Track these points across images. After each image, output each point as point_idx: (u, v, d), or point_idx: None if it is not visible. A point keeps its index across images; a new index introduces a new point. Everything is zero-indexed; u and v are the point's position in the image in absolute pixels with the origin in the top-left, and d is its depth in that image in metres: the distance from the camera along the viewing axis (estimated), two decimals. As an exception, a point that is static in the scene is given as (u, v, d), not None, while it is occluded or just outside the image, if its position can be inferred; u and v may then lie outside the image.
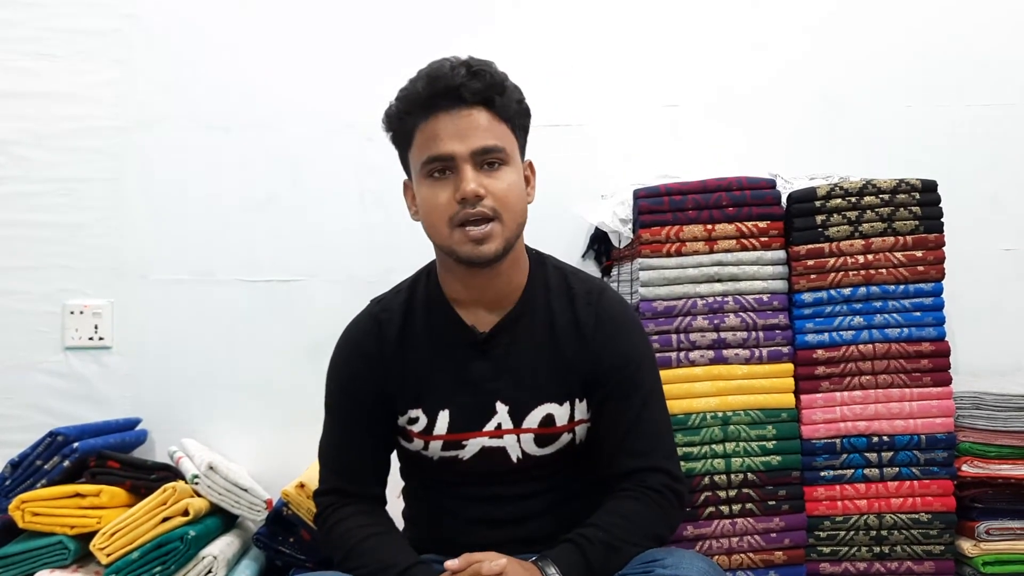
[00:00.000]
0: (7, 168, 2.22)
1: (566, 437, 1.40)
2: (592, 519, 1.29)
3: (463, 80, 1.27)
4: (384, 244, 2.19)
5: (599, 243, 2.17)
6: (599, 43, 2.27)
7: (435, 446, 1.40)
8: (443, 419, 1.39)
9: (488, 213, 1.27)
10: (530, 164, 1.39)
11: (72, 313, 2.20)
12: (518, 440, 1.38)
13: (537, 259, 1.45)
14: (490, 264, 1.31)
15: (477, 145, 1.27)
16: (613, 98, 2.26)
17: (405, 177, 1.41)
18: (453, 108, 1.27)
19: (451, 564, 1.22)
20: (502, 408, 1.38)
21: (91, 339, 2.20)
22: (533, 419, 1.38)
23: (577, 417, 1.40)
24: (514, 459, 1.39)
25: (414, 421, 1.40)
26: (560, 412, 1.38)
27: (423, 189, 1.31)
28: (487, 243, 1.28)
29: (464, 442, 1.39)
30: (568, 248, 2.16)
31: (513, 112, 1.33)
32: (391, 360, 1.40)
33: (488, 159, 1.28)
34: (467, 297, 1.39)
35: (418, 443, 1.41)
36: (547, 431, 1.38)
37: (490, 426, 1.38)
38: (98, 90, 2.24)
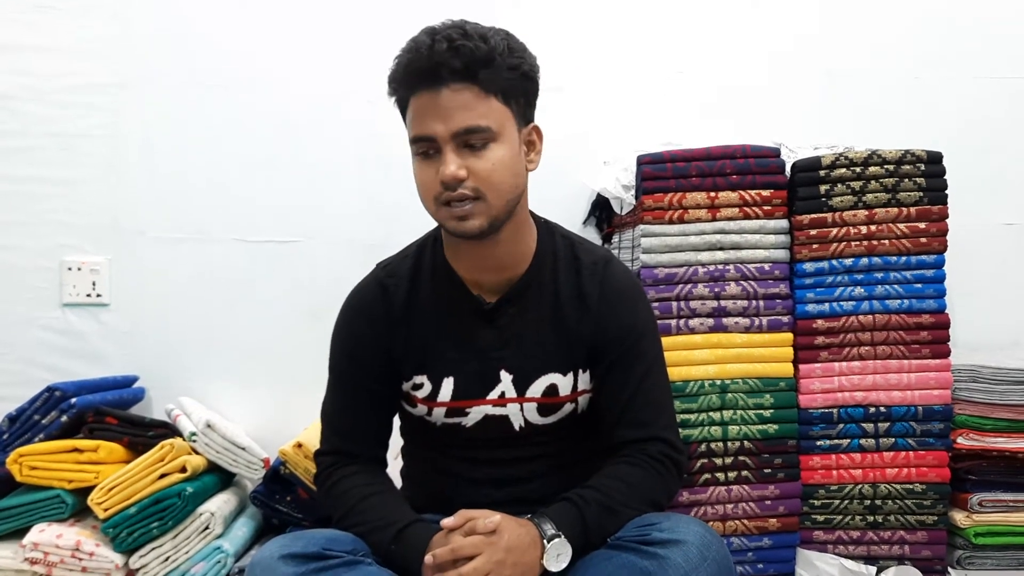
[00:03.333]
0: (6, 123, 2.20)
1: (568, 407, 1.40)
2: (591, 481, 1.29)
3: (442, 58, 1.21)
4: (384, 208, 2.18)
5: (600, 210, 2.16)
6: (606, 8, 2.24)
7: (439, 412, 1.40)
8: (447, 386, 1.39)
9: (469, 194, 1.24)
10: (535, 129, 1.34)
11: (70, 270, 2.19)
12: (521, 409, 1.38)
13: (546, 228, 1.43)
14: (477, 239, 1.29)
15: (458, 126, 1.23)
16: (618, 64, 2.24)
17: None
18: (433, 87, 1.22)
19: (447, 522, 1.23)
20: (506, 377, 1.38)
21: (88, 296, 2.20)
22: (536, 388, 1.38)
23: (580, 387, 1.40)
24: (516, 427, 1.39)
25: (418, 387, 1.40)
26: (563, 382, 1.38)
27: (414, 165, 1.29)
28: (469, 220, 1.25)
29: (467, 409, 1.39)
30: (569, 214, 2.15)
31: (505, 82, 1.25)
32: (397, 326, 1.39)
33: (470, 140, 1.24)
34: (472, 267, 1.38)
35: (422, 409, 1.41)
36: (550, 401, 1.39)
37: (494, 394, 1.38)
38: (98, 45, 2.21)
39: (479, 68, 1.23)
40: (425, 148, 1.26)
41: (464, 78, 1.22)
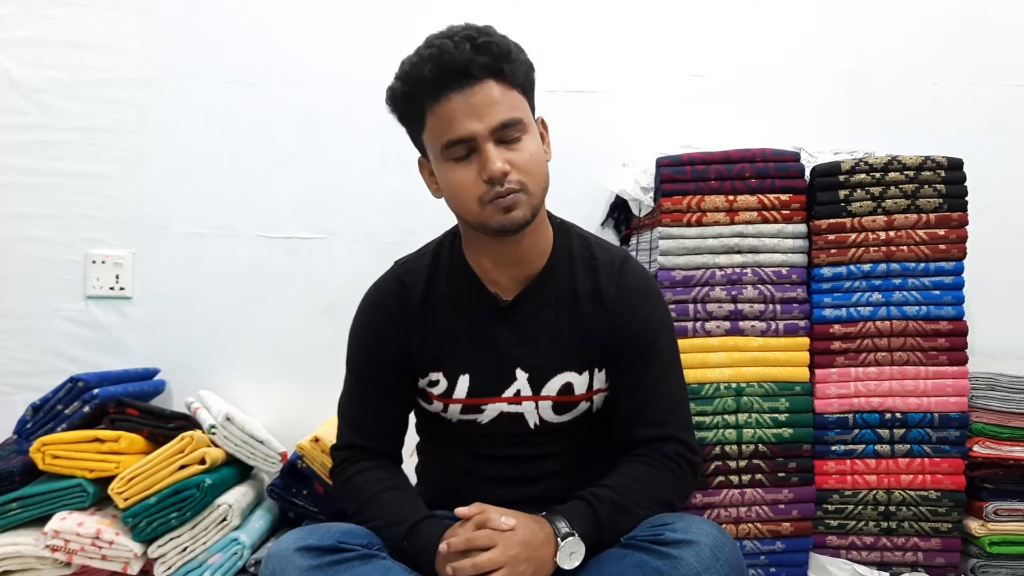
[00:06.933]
0: (33, 116, 2.24)
1: (583, 405, 1.41)
2: (605, 480, 1.30)
3: (470, 56, 1.23)
4: (405, 206, 2.19)
5: (619, 212, 2.16)
6: (626, 10, 2.25)
7: (454, 409, 1.41)
8: (463, 383, 1.40)
9: (515, 187, 1.26)
10: (542, 121, 1.37)
11: (94, 263, 2.23)
12: (536, 407, 1.39)
13: (562, 228, 1.44)
14: (519, 231, 1.30)
15: (496, 121, 1.24)
16: (638, 66, 2.25)
17: (419, 155, 1.38)
18: (464, 86, 1.24)
19: (462, 511, 1.25)
20: (522, 375, 1.39)
21: (112, 289, 2.23)
22: (552, 387, 1.39)
23: (595, 386, 1.40)
24: (531, 425, 1.40)
25: (434, 384, 1.41)
26: (579, 381, 1.39)
27: (446, 172, 1.29)
28: (515, 210, 1.26)
29: (483, 407, 1.40)
30: (587, 216, 2.16)
31: (522, 76, 1.29)
32: (413, 322, 1.41)
33: (508, 134, 1.26)
34: (492, 266, 1.39)
35: (437, 405, 1.42)
36: (565, 399, 1.39)
37: (509, 392, 1.39)
38: (124, 40, 2.25)
39: (503, 62, 1.25)
40: (463, 151, 1.26)
41: (492, 73, 1.25)
